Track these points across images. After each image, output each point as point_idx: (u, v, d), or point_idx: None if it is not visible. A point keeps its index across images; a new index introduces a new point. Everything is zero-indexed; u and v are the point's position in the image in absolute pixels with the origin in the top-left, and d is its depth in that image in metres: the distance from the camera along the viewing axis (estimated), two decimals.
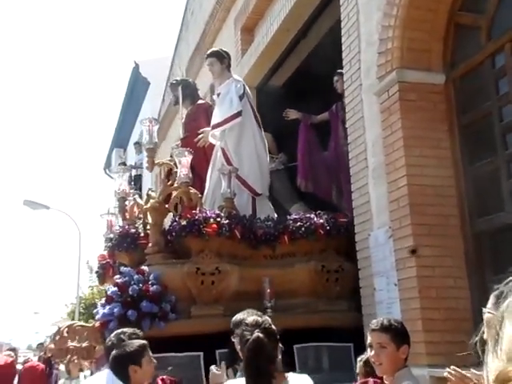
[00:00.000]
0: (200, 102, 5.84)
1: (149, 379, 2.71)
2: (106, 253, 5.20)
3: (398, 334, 2.29)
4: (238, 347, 2.73)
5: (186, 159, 4.51)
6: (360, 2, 4.25)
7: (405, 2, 3.69)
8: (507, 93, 3.36)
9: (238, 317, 2.79)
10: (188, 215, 4.25)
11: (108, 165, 20.21)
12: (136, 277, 4.08)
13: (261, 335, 2.17)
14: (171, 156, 5.37)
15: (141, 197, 16.76)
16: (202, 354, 3.75)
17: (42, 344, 10.00)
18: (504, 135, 3.38)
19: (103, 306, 4.11)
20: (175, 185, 4.61)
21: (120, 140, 18.95)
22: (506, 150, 3.34)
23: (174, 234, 4.30)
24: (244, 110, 4.95)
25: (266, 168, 5.19)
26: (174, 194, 4.62)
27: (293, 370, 3.89)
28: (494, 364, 0.48)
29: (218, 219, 4.22)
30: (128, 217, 4.93)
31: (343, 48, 4.46)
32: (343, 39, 4.47)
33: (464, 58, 3.73)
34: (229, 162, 4.92)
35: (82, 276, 20.62)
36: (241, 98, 4.96)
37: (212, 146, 5.21)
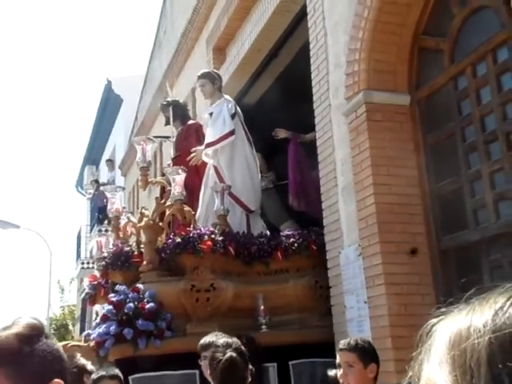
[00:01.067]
0: (190, 122, 5.94)
1: None
2: (97, 273, 5.19)
3: (364, 352, 2.33)
4: (206, 371, 2.71)
5: (180, 177, 4.57)
6: (327, 25, 4.36)
7: (370, 26, 3.80)
8: (470, 114, 3.47)
9: (206, 340, 2.77)
10: (182, 232, 4.28)
11: (80, 182, 19.97)
12: (131, 295, 4.08)
13: (234, 354, 2.16)
14: (163, 174, 5.46)
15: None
16: (197, 371, 3.73)
17: None
18: (467, 155, 3.49)
19: (98, 324, 4.10)
20: (168, 202, 4.64)
21: (92, 157, 18.77)
22: (469, 169, 3.44)
23: (168, 251, 4.32)
24: (236, 128, 5.08)
25: (258, 185, 5.30)
26: (168, 211, 4.64)
27: None
28: None
29: (213, 236, 4.27)
30: (121, 235, 4.95)
31: (312, 69, 4.55)
32: (312, 60, 4.56)
33: (428, 79, 3.85)
34: (221, 180, 5.00)
35: (53, 296, 20.17)
36: (232, 116, 5.09)
37: (204, 165, 5.28)
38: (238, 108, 5.31)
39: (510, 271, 3.06)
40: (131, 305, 3.99)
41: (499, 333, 0.48)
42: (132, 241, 4.87)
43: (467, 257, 3.53)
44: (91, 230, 16.23)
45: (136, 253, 4.62)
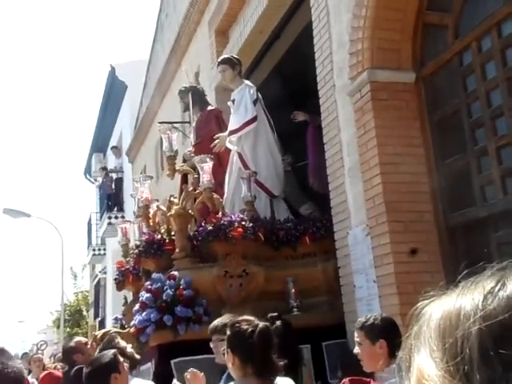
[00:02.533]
0: (210, 107, 5.94)
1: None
2: (126, 260, 5.36)
3: (371, 330, 2.34)
4: (217, 352, 2.75)
5: (208, 165, 4.61)
6: (330, 4, 4.30)
7: (373, 3, 3.75)
8: (475, 90, 3.44)
9: (218, 322, 2.81)
10: (213, 220, 4.35)
11: (88, 170, 20.06)
12: (168, 282, 4.18)
13: (268, 324, 2.16)
14: (184, 161, 5.53)
15: (122, 201, 16.37)
16: None
17: (26, 353, 9.86)
18: (473, 131, 3.47)
19: (138, 312, 4.20)
20: (195, 191, 4.71)
21: (99, 144, 18.82)
22: (475, 145, 3.42)
23: (200, 238, 4.41)
24: (258, 114, 5.11)
25: (281, 170, 5.34)
26: (198, 199, 4.72)
27: (323, 366, 4.02)
28: None
29: (243, 223, 4.34)
30: (151, 224, 5.06)
31: (315, 49, 4.51)
32: (315, 40, 4.51)
33: (433, 56, 3.81)
34: (246, 166, 5.04)
35: (66, 283, 20.43)
36: (254, 102, 5.11)
37: (226, 152, 5.32)
38: (259, 94, 5.29)
39: None
40: (169, 292, 4.09)
41: (489, 320, 0.47)
42: (161, 228, 4.95)
43: (475, 233, 3.53)
44: (101, 217, 16.35)
45: (167, 240, 4.72)
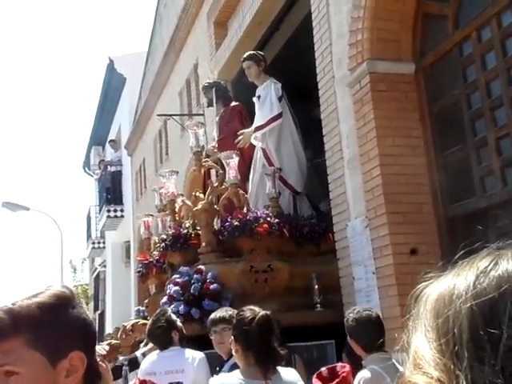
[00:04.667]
0: (233, 104, 5.95)
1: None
2: (155, 252, 5.45)
3: (347, 329, 2.62)
4: (217, 343, 2.75)
5: (234, 161, 4.66)
6: None
7: None
8: (475, 80, 3.43)
9: (217, 315, 2.81)
10: (239, 216, 4.39)
11: (87, 163, 20.02)
12: (196, 276, 4.24)
13: (268, 312, 2.18)
14: (207, 156, 5.63)
15: (121, 194, 16.31)
16: None
17: None
18: (473, 122, 3.45)
19: (165, 304, 4.26)
20: (220, 186, 4.79)
21: (98, 137, 18.77)
22: (474, 136, 3.41)
23: (226, 234, 4.47)
24: (283, 111, 5.15)
25: (305, 166, 5.36)
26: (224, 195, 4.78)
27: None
28: (406, 371, 0.51)
29: (268, 219, 4.39)
30: (178, 218, 5.15)
31: (315, 40, 4.48)
32: (314, 31, 4.49)
33: (432, 46, 3.79)
34: (270, 163, 5.07)
35: (66, 276, 20.47)
36: (280, 99, 5.15)
37: (248, 147, 5.34)
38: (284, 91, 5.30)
39: None
40: (197, 286, 4.14)
41: (480, 299, 0.47)
42: (186, 222, 5.01)
43: (474, 224, 3.52)
44: (100, 211, 16.34)
45: (193, 235, 4.79)
